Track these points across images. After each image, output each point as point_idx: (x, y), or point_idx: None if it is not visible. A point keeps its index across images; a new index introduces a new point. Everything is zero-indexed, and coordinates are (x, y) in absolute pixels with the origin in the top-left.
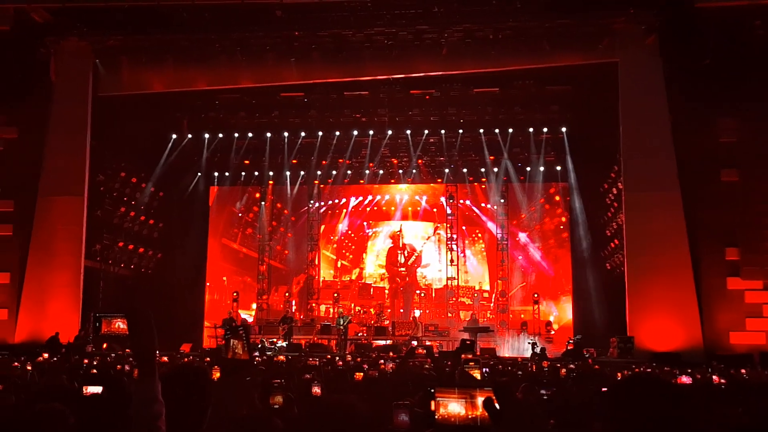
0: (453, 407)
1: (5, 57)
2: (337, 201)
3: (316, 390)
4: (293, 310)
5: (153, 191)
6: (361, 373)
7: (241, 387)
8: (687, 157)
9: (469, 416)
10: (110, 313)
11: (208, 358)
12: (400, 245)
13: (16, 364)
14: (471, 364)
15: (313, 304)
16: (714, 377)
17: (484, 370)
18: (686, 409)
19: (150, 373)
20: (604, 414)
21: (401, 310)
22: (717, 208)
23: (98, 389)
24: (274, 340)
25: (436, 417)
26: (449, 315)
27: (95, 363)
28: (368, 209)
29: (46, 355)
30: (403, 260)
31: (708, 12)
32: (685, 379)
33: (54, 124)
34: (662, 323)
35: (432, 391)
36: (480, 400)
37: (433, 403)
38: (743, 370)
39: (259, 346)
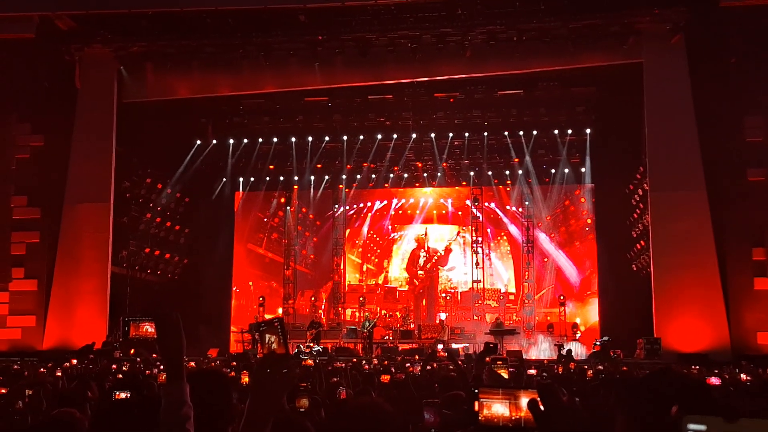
0: (497, 408)
1: (30, 65)
2: (362, 205)
3: (343, 393)
4: (321, 316)
5: (179, 197)
6: (389, 376)
7: (279, 381)
8: (713, 157)
9: (513, 417)
10: (139, 316)
11: (235, 363)
12: (425, 248)
13: (42, 370)
14: (499, 362)
15: (339, 308)
16: (742, 376)
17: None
18: (711, 404)
19: (178, 376)
20: (627, 407)
21: (424, 314)
22: (743, 208)
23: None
24: (311, 345)
25: (480, 418)
26: (475, 318)
27: (124, 368)
28: (393, 213)
29: (74, 361)
30: (422, 263)
31: (733, 11)
32: (714, 380)
33: (79, 131)
34: (689, 324)
35: (476, 391)
36: (524, 401)
37: (476, 403)
38: None
39: (296, 350)
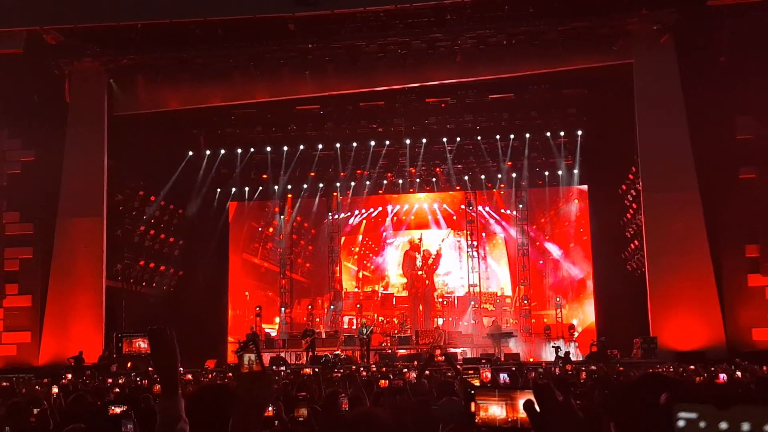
0: (493, 409)
1: (20, 79)
2: (356, 212)
3: (345, 403)
4: (317, 321)
5: (172, 209)
6: (386, 381)
7: (259, 397)
8: (705, 156)
9: (510, 419)
10: (131, 332)
11: (231, 374)
12: (419, 251)
13: (38, 388)
14: (470, 372)
15: (336, 316)
16: (738, 374)
17: (503, 375)
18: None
19: (173, 392)
20: (616, 411)
21: (421, 319)
22: (736, 206)
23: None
24: (338, 352)
25: (476, 419)
26: (472, 322)
27: (120, 382)
28: (388, 219)
29: (69, 376)
30: (420, 263)
31: (721, 9)
32: (722, 377)
33: (70, 145)
34: (685, 322)
35: (472, 392)
36: (521, 402)
37: (473, 404)
38: (765, 368)
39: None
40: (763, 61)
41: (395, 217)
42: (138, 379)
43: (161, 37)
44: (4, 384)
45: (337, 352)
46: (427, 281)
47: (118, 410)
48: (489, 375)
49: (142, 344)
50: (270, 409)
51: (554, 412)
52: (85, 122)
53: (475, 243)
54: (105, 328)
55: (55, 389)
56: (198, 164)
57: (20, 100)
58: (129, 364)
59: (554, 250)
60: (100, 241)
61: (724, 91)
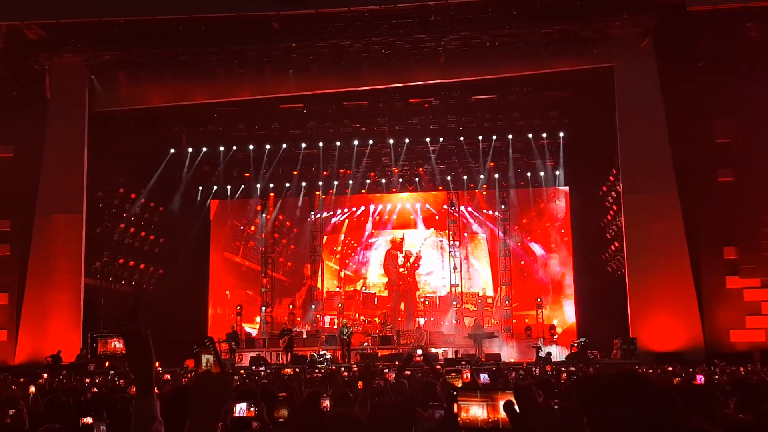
0: (475, 410)
1: None
2: (339, 211)
3: (326, 403)
4: (298, 321)
5: (153, 206)
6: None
7: (216, 397)
8: (684, 159)
9: (491, 419)
10: (105, 332)
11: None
12: (401, 251)
13: (14, 387)
14: (453, 374)
15: (317, 315)
16: (716, 376)
17: (483, 376)
18: (671, 407)
19: (148, 392)
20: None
21: (399, 319)
22: (714, 208)
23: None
24: (324, 352)
25: (459, 420)
26: (453, 322)
27: (97, 381)
28: (370, 218)
29: (45, 375)
30: (402, 261)
31: (700, 15)
32: (699, 378)
33: (50, 141)
34: (664, 323)
35: (455, 393)
36: (501, 403)
37: (455, 405)
38: (742, 368)
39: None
40: (740, 66)
41: (378, 217)
42: (116, 378)
43: (144, 34)
44: None
45: (323, 352)
46: (409, 279)
47: (89, 420)
48: (469, 376)
49: (117, 344)
50: (252, 409)
51: (534, 413)
52: (65, 118)
53: (457, 243)
54: (83, 327)
55: (32, 389)
56: (180, 162)
57: None
58: (107, 364)
59: (536, 251)
60: (79, 239)
61: (703, 94)
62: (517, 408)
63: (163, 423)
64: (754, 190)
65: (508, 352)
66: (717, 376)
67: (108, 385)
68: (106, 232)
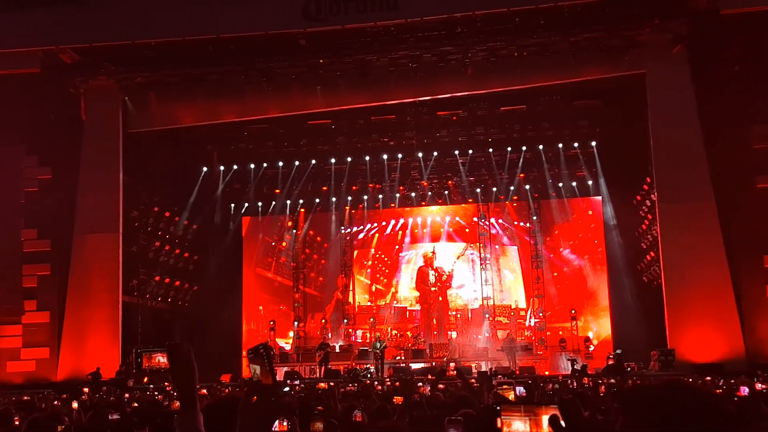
0: (517, 425)
1: (36, 98)
2: (369, 226)
3: (359, 416)
4: (329, 336)
5: (186, 224)
6: (401, 397)
7: (266, 411)
8: (720, 166)
9: None
10: (150, 347)
11: (247, 388)
12: (433, 267)
13: (56, 402)
14: (505, 387)
15: (350, 330)
16: (758, 386)
17: (518, 389)
18: (721, 417)
19: (192, 406)
20: (637, 423)
21: (435, 333)
22: (753, 216)
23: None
24: (369, 366)
25: None
26: (486, 335)
27: (137, 396)
28: (401, 233)
29: (86, 390)
30: (433, 280)
31: (734, 18)
32: (744, 390)
33: (86, 162)
34: (703, 334)
35: (498, 408)
36: (545, 418)
37: (499, 420)
38: None
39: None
40: None
41: (408, 230)
42: (155, 393)
43: (174, 54)
44: (25, 398)
45: (367, 366)
46: (440, 297)
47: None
48: (524, 391)
49: (161, 359)
50: (285, 423)
51: (579, 429)
52: (100, 139)
53: (488, 256)
54: (122, 344)
55: (74, 404)
56: (212, 180)
57: (37, 119)
58: (145, 379)
59: (569, 262)
60: (116, 257)
61: (738, 100)
62: (563, 422)
63: None
64: None
65: (542, 365)
66: (760, 386)
67: (148, 400)
68: (141, 250)
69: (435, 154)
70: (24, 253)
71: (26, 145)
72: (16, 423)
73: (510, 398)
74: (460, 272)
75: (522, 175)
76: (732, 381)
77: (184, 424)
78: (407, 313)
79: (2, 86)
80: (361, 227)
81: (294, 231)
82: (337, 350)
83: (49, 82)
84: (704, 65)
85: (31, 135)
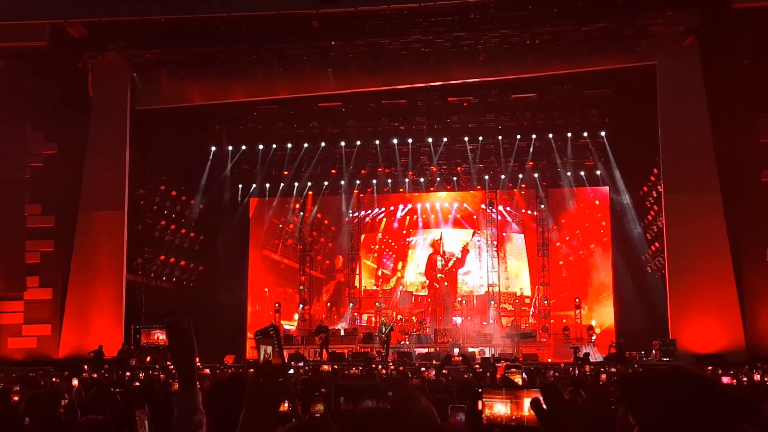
0: (499, 408)
1: (43, 73)
2: (376, 210)
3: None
4: (335, 319)
5: (193, 204)
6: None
7: (275, 391)
8: (727, 158)
9: (515, 417)
10: (150, 324)
11: (252, 369)
12: (441, 252)
13: (55, 379)
14: (513, 370)
15: (355, 314)
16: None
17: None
18: (725, 405)
19: (190, 384)
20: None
21: (440, 318)
22: (758, 209)
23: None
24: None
25: (483, 417)
26: (491, 321)
27: (140, 376)
28: (408, 217)
29: (87, 367)
30: (440, 266)
31: (746, 12)
32: (725, 380)
33: (93, 138)
34: (704, 325)
35: (479, 390)
36: (527, 401)
37: (480, 402)
38: None
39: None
40: None
41: (416, 216)
42: (158, 373)
43: (185, 32)
44: (31, 375)
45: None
46: (446, 283)
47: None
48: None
49: (160, 336)
50: (285, 405)
51: (561, 411)
52: (107, 116)
53: (495, 243)
54: (125, 322)
55: (75, 381)
56: (220, 160)
57: (44, 93)
58: (148, 359)
59: (574, 251)
60: (121, 235)
61: (747, 93)
62: (544, 405)
63: (206, 414)
64: None
65: (546, 353)
66: (758, 377)
67: (150, 379)
68: (147, 229)
69: (445, 139)
70: (28, 229)
71: (32, 119)
72: (15, 399)
73: (518, 381)
74: (469, 255)
75: (531, 163)
76: (731, 372)
77: (183, 401)
78: (413, 297)
79: (9, 59)
80: (369, 211)
81: (302, 213)
82: (342, 333)
83: (56, 56)
84: (714, 58)
85: (37, 110)
